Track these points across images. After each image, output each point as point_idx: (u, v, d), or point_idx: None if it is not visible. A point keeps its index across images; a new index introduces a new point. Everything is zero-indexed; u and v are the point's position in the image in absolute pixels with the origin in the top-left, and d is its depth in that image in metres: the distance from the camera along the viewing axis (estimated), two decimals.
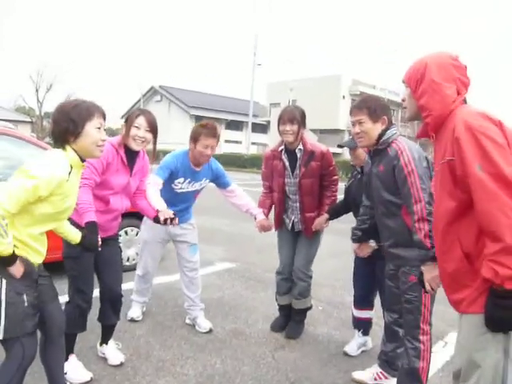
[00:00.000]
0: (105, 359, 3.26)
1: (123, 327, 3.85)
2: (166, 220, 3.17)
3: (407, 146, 2.69)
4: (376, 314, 3.73)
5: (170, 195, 3.79)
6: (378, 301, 3.57)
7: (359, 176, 3.44)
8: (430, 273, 2.25)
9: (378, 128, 2.85)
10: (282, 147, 3.76)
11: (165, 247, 4.26)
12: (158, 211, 3.22)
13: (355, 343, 3.64)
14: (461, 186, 1.72)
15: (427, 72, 1.88)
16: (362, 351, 3.65)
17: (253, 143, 44.09)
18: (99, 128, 2.36)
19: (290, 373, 3.28)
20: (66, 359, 2.94)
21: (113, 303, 3.17)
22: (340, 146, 3.63)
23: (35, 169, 2.11)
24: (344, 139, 40.95)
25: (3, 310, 2.11)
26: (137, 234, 5.53)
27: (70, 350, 3.00)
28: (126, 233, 5.45)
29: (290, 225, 3.89)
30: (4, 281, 2.12)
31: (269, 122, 47.52)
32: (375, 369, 3.15)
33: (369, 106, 2.85)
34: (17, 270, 2.14)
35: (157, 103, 52.24)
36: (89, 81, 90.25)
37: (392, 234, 2.73)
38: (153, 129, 3.06)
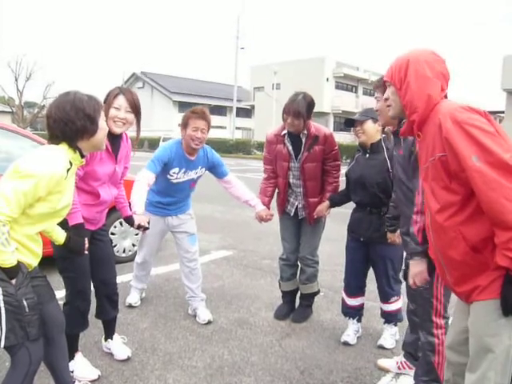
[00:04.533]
0: (110, 354, 3.19)
1: (126, 320, 3.79)
2: (139, 226, 3.12)
3: None
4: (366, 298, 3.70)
5: (166, 186, 3.73)
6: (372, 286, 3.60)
7: (367, 155, 3.35)
8: (416, 267, 2.24)
9: None
10: (285, 132, 3.68)
11: (163, 238, 4.19)
12: (134, 213, 3.15)
13: (352, 331, 3.59)
14: (456, 180, 1.71)
15: (410, 69, 1.86)
16: (358, 337, 3.61)
17: (237, 128, 43.92)
18: (104, 120, 2.29)
19: (299, 361, 3.25)
20: (72, 357, 2.86)
21: (110, 298, 3.07)
22: (349, 122, 3.36)
23: (31, 166, 1.98)
24: (329, 122, 41.07)
25: (3, 318, 1.99)
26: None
27: (74, 348, 2.92)
28: (121, 224, 5.34)
29: (293, 211, 3.83)
30: (0, 288, 1.99)
31: (253, 107, 47.28)
32: (400, 358, 3.13)
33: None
34: None
35: (139, 90, 51.57)
36: (69, 68, 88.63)
37: (406, 221, 2.67)
38: (134, 109, 2.84)
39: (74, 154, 2.17)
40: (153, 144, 37.51)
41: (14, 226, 2.01)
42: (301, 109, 3.49)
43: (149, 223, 3.18)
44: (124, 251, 5.46)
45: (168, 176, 3.67)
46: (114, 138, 2.84)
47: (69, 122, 2.12)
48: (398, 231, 3.06)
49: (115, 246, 5.33)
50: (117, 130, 2.81)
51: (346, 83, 44.89)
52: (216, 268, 5.43)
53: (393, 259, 3.33)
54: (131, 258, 5.08)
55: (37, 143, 4.52)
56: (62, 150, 2.14)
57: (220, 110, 52.72)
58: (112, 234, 5.26)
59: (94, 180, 2.76)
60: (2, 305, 1.99)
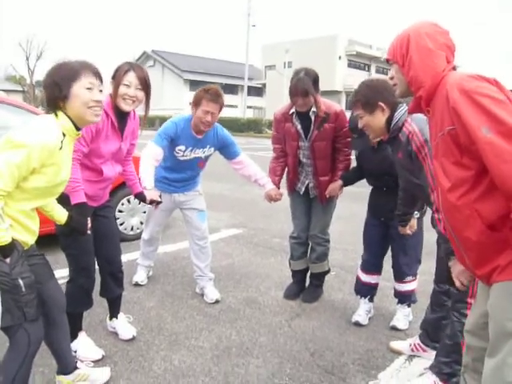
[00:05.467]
0: (115, 333, 3.11)
1: (132, 299, 3.71)
2: (151, 201, 3.08)
3: (417, 126, 2.53)
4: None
5: (173, 162, 3.62)
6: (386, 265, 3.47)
7: (375, 146, 3.20)
8: (457, 266, 1.98)
9: (378, 117, 2.69)
10: (293, 110, 3.49)
11: (170, 215, 4.10)
12: (144, 188, 3.07)
13: (363, 311, 3.48)
14: (468, 154, 1.56)
15: (411, 43, 1.75)
16: (369, 318, 3.51)
17: (249, 107, 43.59)
18: (90, 88, 2.07)
19: (309, 343, 3.14)
20: (75, 336, 2.79)
21: (114, 276, 2.98)
22: (352, 130, 3.29)
23: (23, 136, 1.87)
24: (341, 101, 40.58)
25: None
26: (139, 203, 5.35)
27: (78, 328, 2.85)
28: (128, 201, 5.26)
29: (303, 189, 3.70)
30: None
31: (264, 85, 46.86)
32: (414, 339, 3.02)
33: (360, 99, 2.72)
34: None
35: (150, 68, 51.32)
36: (80, 46, 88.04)
37: None
38: (145, 86, 2.69)
39: (62, 122, 2.04)
40: (164, 123, 37.47)
41: (9, 201, 1.90)
42: (307, 87, 3.29)
43: (160, 197, 3.14)
44: (132, 229, 5.38)
45: (174, 153, 3.55)
46: (122, 115, 2.72)
47: (45, 88, 2.07)
48: (412, 221, 3.06)
49: (122, 223, 5.25)
50: (126, 107, 2.67)
51: (359, 61, 44.19)
52: (225, 246, 5.34)
53: (413, 236, 3.20)
54: (138, 236, 5.00)
55: None
56: (52, 120, 2.01)
57: (231, 89, 52.33)
58: (119, 211, 5.19)
59: (98, 157, 2.65)
60: None
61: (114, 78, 2.68)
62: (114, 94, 2.65)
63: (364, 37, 44.75)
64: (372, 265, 3.46)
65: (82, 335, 2.86)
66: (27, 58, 46.47)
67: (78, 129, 2.11)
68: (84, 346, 2.82)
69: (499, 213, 1.55)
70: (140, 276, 4.08)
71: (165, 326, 3.29)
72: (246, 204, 7.81)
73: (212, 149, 3.68)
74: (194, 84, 50.38)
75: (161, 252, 4.60)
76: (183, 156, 3.58)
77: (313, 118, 3.44)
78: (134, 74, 2.65)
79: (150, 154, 3.35)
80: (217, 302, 3.72)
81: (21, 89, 45.05)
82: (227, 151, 3.74)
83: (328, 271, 3.94)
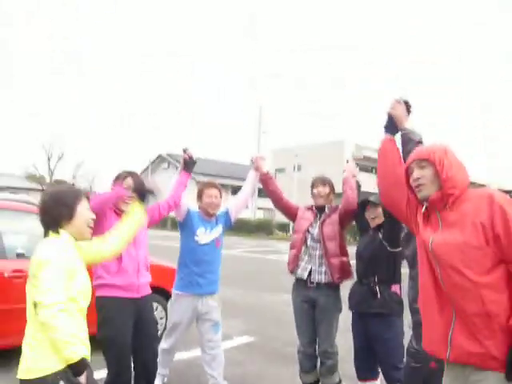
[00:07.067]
0: None
1: None
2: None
3: None
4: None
5: (193, 250, 3.92)
6: None
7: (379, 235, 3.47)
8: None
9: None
10: (313, 204, 4.09)
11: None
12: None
13: None
14: (493, 246, 1.87)
15: (449, 154, 2.10)
16: None
17: (259, 208, 44.26)
18: (88, 208, 2.37)
19: None
20: None
21: (148, 382, 3.18)
22: (366, 202, 3.60)
23: (48, 293, 2.01)
24: None
25: None
26: (156, 309, 5.49)
27: None
28: None
29: (306, 275, 3.84)
30: None
31: None
32: None
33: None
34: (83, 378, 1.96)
35: (164, 170, 53.11)
36: (98, 149, 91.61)
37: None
38: (139, 190, 3.25)
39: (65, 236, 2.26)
40: (175, 224, 37.88)
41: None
42: (326, 178, 4.08)
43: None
44: None
45: (195, 238, 3.91)
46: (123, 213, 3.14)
47: (46, 211, 2.27)
48: None
49: None
50: (124, 207, 3.19)
51: (366, 164, 45.54)
52: (237, 354, 5.37)
53: (390, 339, 3.32)
54: None
55: None
56: (57, 239, 2.25)
57: None
58: None
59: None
60: None
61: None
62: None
63: (370, 140, 46.40)
64: (363, 370, 3.51)
65: None
66: (49, 159, 48.62)
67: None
68: None
69: (502, 305, 1.85)
70: None
71: None
72: (258, 310, 7.84)
73: (223, 225, 4.15)
74: None
75: (175, 359, 4.65)
76: (203, 239, 3.94)
77: (326, 210, 3.99)
78: (131, 179, 3.33)
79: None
80: None
81: (40, 187, 46.52)
82: (230, 213, 4.24)
83: (339, 382, 3.97)
